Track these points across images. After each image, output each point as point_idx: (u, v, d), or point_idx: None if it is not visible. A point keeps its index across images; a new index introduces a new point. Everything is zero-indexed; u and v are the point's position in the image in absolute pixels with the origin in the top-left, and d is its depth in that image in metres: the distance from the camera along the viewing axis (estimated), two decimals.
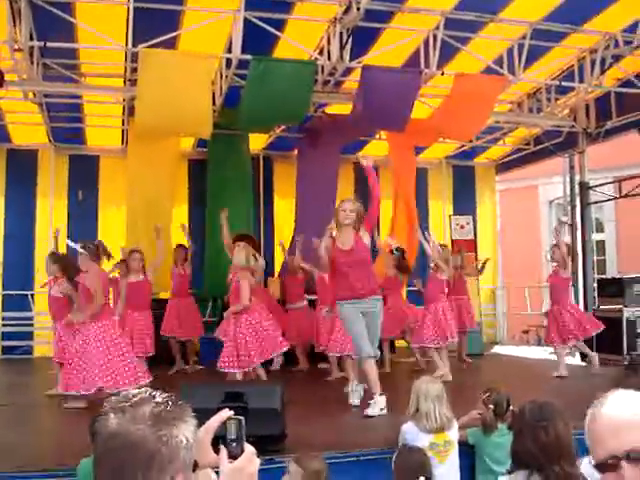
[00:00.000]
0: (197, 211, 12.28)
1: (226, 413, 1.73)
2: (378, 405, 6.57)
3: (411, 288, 11.22)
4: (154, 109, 8.50)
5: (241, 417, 1.73)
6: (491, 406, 5.01)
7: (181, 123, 8.96)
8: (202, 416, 1.66)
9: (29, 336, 11.97)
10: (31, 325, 11.97)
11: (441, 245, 10.06)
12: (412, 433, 4.82)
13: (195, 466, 1.56)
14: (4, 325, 11.96)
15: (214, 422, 1.73)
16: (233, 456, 1.68)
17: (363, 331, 6.78)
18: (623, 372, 9.16)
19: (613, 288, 10.89)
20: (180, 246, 10.38)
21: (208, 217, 11.38)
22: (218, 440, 1.73)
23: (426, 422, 4.79)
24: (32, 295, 11.79)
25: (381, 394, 6.63)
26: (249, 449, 1.71)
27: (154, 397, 1.53)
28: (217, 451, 1.71)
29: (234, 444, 1.70)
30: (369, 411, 6.54)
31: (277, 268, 12.06)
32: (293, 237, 11.07)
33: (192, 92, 8.30)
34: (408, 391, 5.05)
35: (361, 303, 6.81)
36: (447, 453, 4.78)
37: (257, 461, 1.72)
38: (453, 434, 4.90)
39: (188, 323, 10.11)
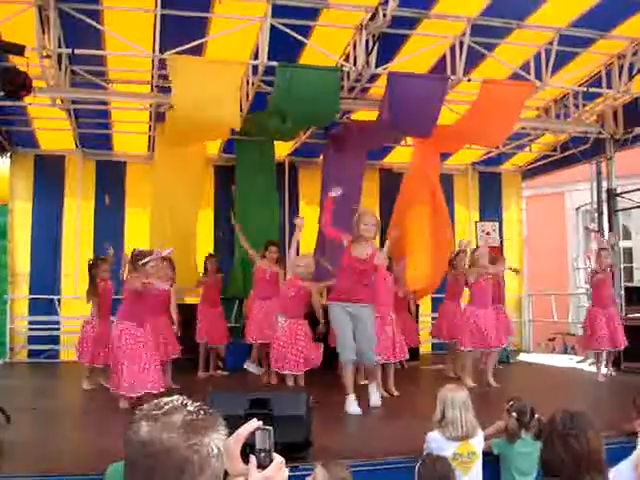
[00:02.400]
0: (222, 216, 12.34)
1: (255, 423, 1.73)
2: (353, 403, 7.08)
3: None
4: (186, 112, 8.52)
5: (270, 427, 1.73)
6: (514, 414, 5.00)
7: (212, 118, 8.87)
8: (228, 423, 1.66)
9: (55, 340, 12.04)
10: (57, 329, 12.05)
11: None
12: (437, 441, 4.80)
13: (225, 475, 1.57)
14: (30, 329, 12.05)
15: (243, 432, 1.74)
16: (262, 466, 1.69)
17: (350, 336, 7.24)
18: None
19: (637, 295, 10.78)
20: (212, 255, 10.49)
21: (237, 221, 11.48)
22: (246, 449, 1.74)
23: (452, 430, 4.76)
24: (59, 299, 11.89)
25: (348, 394, 7.15)
26: (278, 459, 1.71)
27: (186, 405, 1.54)
28: (246, 460, 1.71)
29: (263, 454, 1.71)
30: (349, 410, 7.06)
31: None
32: (317, 243, 11.09)
33: (222, 91, 8.26)
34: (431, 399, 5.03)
35: (348, 306, 7.28)
36: (471, 464, 4.75)
37: (286, 471, 1.73)
38: (478, 442, 4.87)
39: (217, 331, 10.18)
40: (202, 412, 1.53)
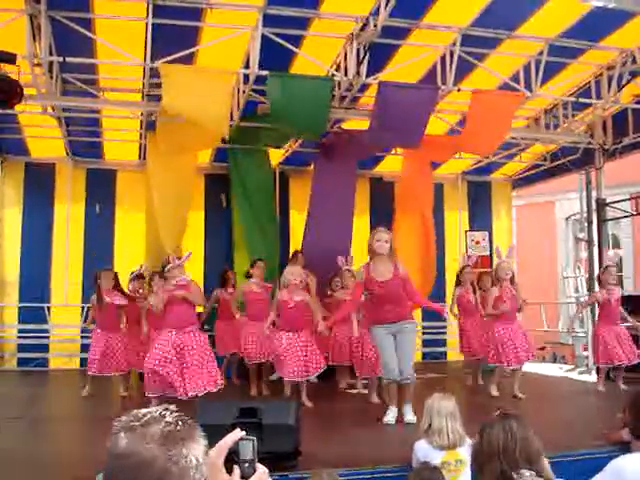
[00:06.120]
0: (213, 226, 12.36)
1: (239, 433, 1.73)
2: (390, 414, 7.08)
3: None
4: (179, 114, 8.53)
5: (253, 437, 1.73)
6: None
7: (203, 126, 8.85)
8: (217, 432, 1.66)
9: (45, 349, 12.00)
10: (47, 337, 12.01)
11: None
12: (424, 450, 4.79)
13: None
14: (20, 337, 12.01)
15: (227, 442, 1.73)
16: (246, 476, 1.69)
17: (392, 355, 7.12)
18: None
19: (631, 305, 10.79)
20: (230, 271, 10.45)
21: (236, 231, 11.62)
22: (233, 458, 1.73)
23: (438, 439, 4.75)
24: (48, 308, 11.85)
25: (391, 405, 7.14)
26: (261, 469, 1.71)
27: (164, 416, 1.54)
28: (229, 470, 1.71)
29: (247, 464, 1.71)
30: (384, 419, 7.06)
31: None
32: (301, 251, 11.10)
33: (213, 99, 8.24)
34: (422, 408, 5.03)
35: (391, 327, 7.17)
36: (459, 472, 4.74)
37: None
38: (465, 451, 4.86)
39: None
40: (181, 423, 1.53)
